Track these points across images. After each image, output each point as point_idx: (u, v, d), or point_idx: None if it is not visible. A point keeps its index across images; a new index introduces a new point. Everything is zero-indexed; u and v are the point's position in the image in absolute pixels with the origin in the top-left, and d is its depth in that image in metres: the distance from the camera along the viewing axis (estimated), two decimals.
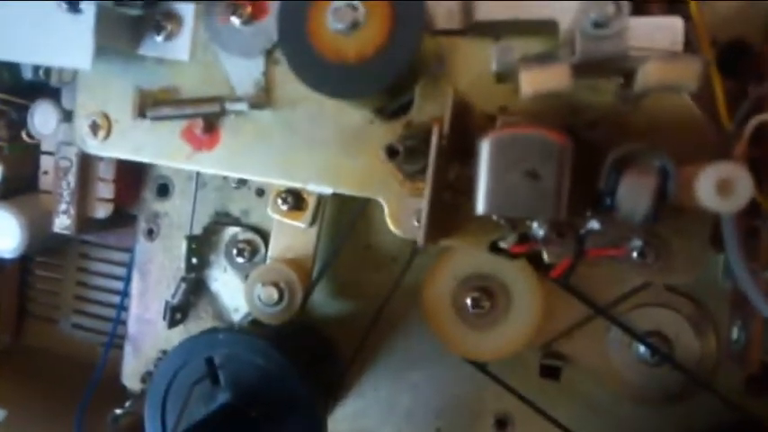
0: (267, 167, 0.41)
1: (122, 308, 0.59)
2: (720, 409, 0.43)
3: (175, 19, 0.42)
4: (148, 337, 0.55)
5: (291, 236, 0.47)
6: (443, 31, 0.35)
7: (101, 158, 0.51)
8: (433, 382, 0.49)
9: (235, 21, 0.40)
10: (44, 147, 0.53)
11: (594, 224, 0.32)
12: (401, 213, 0.39)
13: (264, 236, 0.51)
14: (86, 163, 0.51)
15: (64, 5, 0.38)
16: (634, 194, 0.28)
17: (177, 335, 0.53)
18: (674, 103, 0.34)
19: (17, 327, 0.67)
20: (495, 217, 0.32)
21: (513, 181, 0.29)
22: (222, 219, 0.52)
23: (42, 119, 0.52)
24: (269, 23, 0.40)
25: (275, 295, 0.45)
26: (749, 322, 0.38)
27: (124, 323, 0.57)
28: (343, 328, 0.49)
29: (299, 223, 0.46)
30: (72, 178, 0.51)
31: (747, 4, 0.39)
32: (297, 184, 0.41)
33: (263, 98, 0.40)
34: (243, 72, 0.41)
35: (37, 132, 0.53)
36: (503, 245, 0.35)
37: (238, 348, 0.39)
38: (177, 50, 0.42)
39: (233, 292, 0.52)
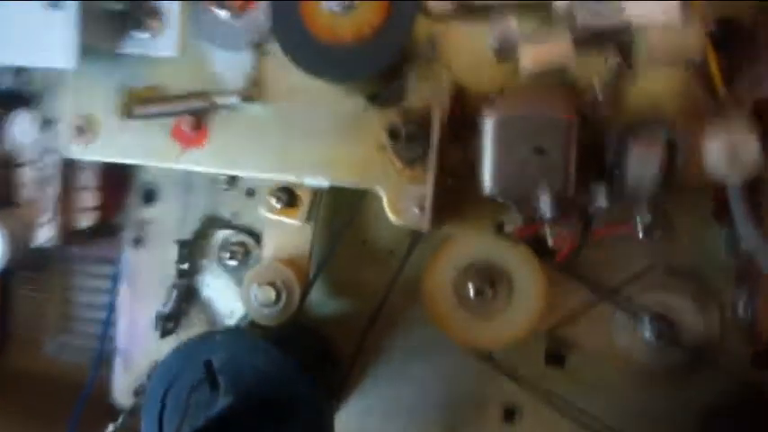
0: (261, 162, 0.40)
1: (110, 323, 0.57)
2: (727, 386, 0.42)
3: (160, 15, 0.41)
4: (139, 350, 0.53)
5: (286, 234, 0.46)
6: (436, 14, 0.35)
7: (83, 166, 0.50)
8: (437, 376, 0.48)
9: (223, 14, 0.39)
10: (22, 157, 0.52)
11: (602, 201, 0.31)
12: (400, 202, 0.38)
13: (257, 237, 0.50)
14: (68, 172, 0.49)
15: (46, 2, 0.36)
16: (642, 163, 0.28)
17: (169, 345, 0.51)
18: (670, 77, 0.34)
19: None
20: (500, 199, 0.32)
21: (519, 158, 0.29)
22: (213, 222, 0.51)
23: (21, 128, 0.51)
24: (258, 15, 0.39)
25: (273, 295, 0.44)
26: (754, 297, 0.38)
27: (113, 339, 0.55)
28: (343, 326, 0.48)
29: (294, 221, 0.45)
30: (54, 188, 0.49)
31: None
32: (293, 178, 0.40)
33: (255, 91, 0.39)
34: (232, 66, 0.40)
35: (15, 142, 0.51)
36: (508, 228, 0.34)
37: (238, 350, 0.38)
38: (164, 47, 0.41)
39: (226, 296, 0.51)
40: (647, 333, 0.44)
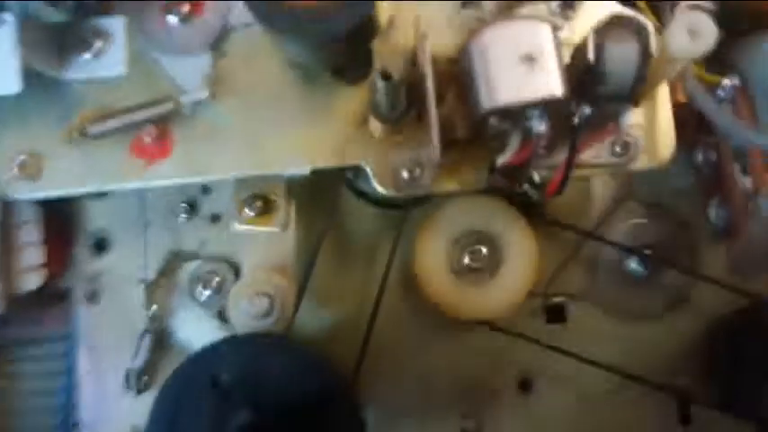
0: (235, 162, 0.39)
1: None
2: (716, 304, 0.45)
3: (104, 34, 0.39)
4: (110, 418, 0.47)
5: (266, 244, 0.44)
6: None
7: (24, 220, 0.45)
8: (446, 365, 0.46)
9: (172, 20, 0.39)
10: None
11: (586, 109, 0.33)
12: (387, 171, 0.38)
13: (230, 263, 0.47)
14: (7, 230, 0.45)
15: None
16: (621, 59, 0.30)
17: (146, 404, 0.45)
18: None
19: None
20: (493, 123, 0.33)
21: (511, 69, 0.30)
22: (178, 256, 0.47)
23: None
24: (209, 17, 0.39)
25: (265, 305, 0.41)
26: (724, 191, 0.41)
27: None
28: (339, 337, 0.46)
29: (272, 228, 0.43)
30: None
31: None
32: (273, 171, 0.39)
33: (216, 91, 0.38)
34: (189, 71, 0.39)
35: None
36: (501, 161, 0.35)
37: (250, 356, 0.35)
38: (110, 67, 0.39)
39: (204, 332, 0.46)
40: (633, 265, 0.45)
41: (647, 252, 0.45)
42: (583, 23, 0.35)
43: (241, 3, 0.34)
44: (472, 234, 0.44)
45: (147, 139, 0.38)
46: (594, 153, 0.37)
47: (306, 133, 0.39)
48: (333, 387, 0.35)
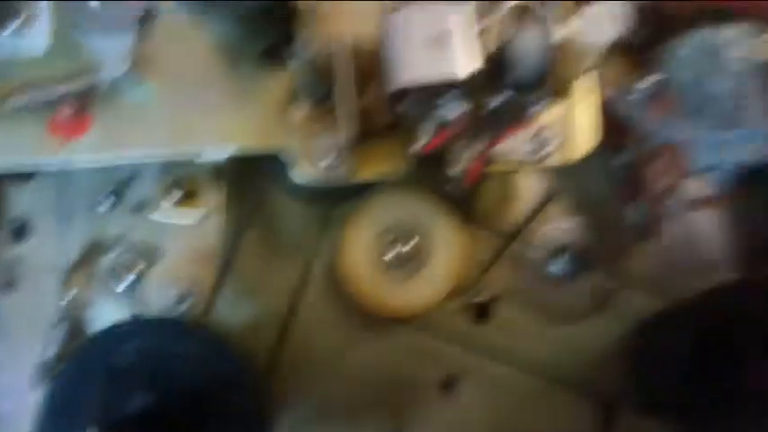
0: (155, 142, 0.38)
1: None
2: (642, 306, 0.45)
3: (26, 10, 0.39)
4: (21, 415, 0.44)
5: (188, 232, 0.43)
6: None
7: None
8: (370, 365, 0.45)
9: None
10: None
11: (497, 100, 0.33)
12: (311, 156, 0.38)
13: (151, 251, 0.45)
14: None
15: None
16: (524, 47, 0.31)
17: None
18: None
19: None
20: (405, 108, 0.33)
21: (417, 50, 0.30)
22: (97, 247, 0.46)
23: None
24: None
25: (181, 291, 0.40)
26: (642, 192, 0.41)
27: None
28: (259, 332, 0.45)
29: (195, 216, 0.42)
30: None
31: None
32: (193, 151, 0.39)
33: (139, 70, 0.38)
34: (112, 49, 0.39)
35: None
36: (416, 148, 0.35)
37: (153, 337, 0.34)
38: (32, 43, 0.39)
39: None
40: (557, 266, 0.45)
41: (572, 253, 0.45)
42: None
43: None
44: (399, 228, 0.44)
45: (65, 117, 0.38)
46: (512, 147, 0.38)
47: (228, 117, 0.38)
48: (236, 372, 0.34)
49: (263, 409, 0.34)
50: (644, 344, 0.43)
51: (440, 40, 0.30)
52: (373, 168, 0.38)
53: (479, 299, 0.46)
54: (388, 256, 0.43)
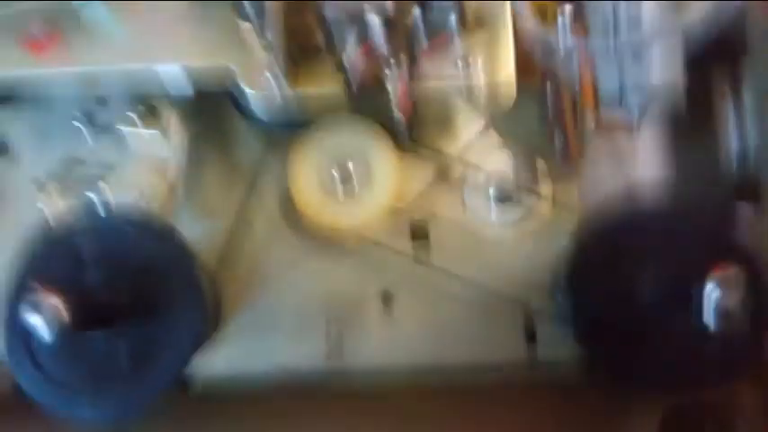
0: (117, 57, 0.42)
1: None
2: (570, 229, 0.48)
3: None
4: None
5: (146, 146, 0.47)
6: None
7: None
8: (315, 279, 0.49)
9: None
10: None
11: (417, 10, 0.37)
12: (253, 72, 0.41)
13: (116, 165, 0.49)
14: None
15: None
16: None
17: None
18: None
19: None
20: (330, 16, 0.36)
21: None
22: (72, 162, 0.50)
23: None
24: None
25: (135, 195, 0.44)
26: (562, 120, 0.45)
27: None
28: (208, 246, 0.49)
29: (155, 131, 0.46)
30: None
31: None
32: (146, 65, 0.42)
33: None
34: None
35: None
36: (346, 61, 0.38)
37: (105, 223, 0.38)
38: None
39: None
40: (492, 190, 0.49)
41: (505, 178, 0.49)
42: None
43: None
44: (342, 155, 0.47)
45: (36, 32, 0.42)
46: (438, 67, 0.41)
47: (182, 34, 0.42)
48: (176, 255, 0.38)
49: (201, 294, 0.38)
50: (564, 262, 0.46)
51: None
52: (311, 83, 0.42)
53: (417, 219, 0.49)
54: (333, 179, 0.47)
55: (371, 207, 0.47)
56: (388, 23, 0.37)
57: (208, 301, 0.39)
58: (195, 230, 0.49)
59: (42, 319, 0.31)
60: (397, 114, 0.47)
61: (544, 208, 0.49)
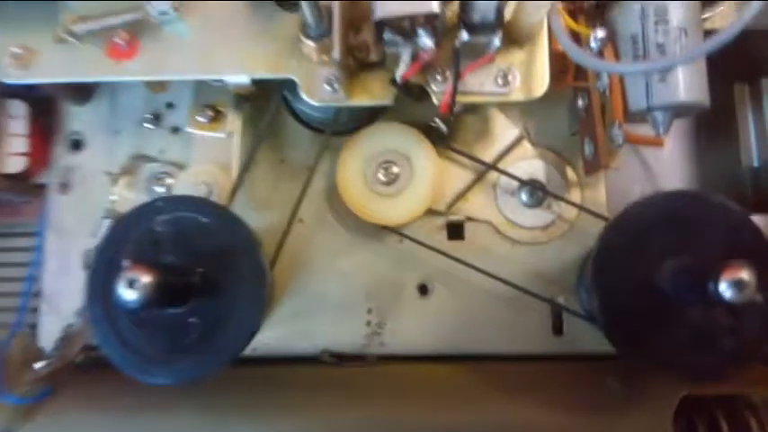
0: (189, 66, 0.47)
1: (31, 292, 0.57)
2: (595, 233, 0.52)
3: None
4: (67, 292, 0.54)
5: (212, 147, 0.52)
6: None
7: (13, 115, 0.54)
8: (359, 268, 0.54)
9: None
10: None
11: (464, 35, 0.41)
12: (314, 84, 0.46)
13: (182, 166, 0.55)
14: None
15: None
16: None
17: None
18: None
19: None
20: (388, 37, 0.41)
21: None
22: (139, 159, 0.55)
23: None
24: None
25: (204, 191, 0.49)
26: (592, 130, 0.49)
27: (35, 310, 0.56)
28: (266, 235, 0.53)
29: (219, 134, 0.51)
30: None
31: None
32: (216, 76, 0.47)
33: (179, 8, 0.47)
34: None
35: None
36: (399, 76, 0.43)
37: (180, 208, 0.42)
38: None
39: None
40: (524, 195, 0.53)
41: (537, 185, 0.53)
42: None
43: None
44: (386, 154, 0.52)
45: (119, 42, 0.47)
46: (480, 81, 0.45)
47: (248, 48, 0.47)
48: (244, 243, 0.42)
49: (264, 279, 0.43)
50: (589, 261, 0.49)
51: None
52: (366, 94, 0.46)
53: (454, 219, 0.54)
54: (377, 177, 0.51)
55: (412, 205, 0.51)
56: (438, 44, 0.41)
57: (268, 284, 0.44)
58: (251, 221, 0.54)
59: (136, 294, 0.36)
60: (440, 122, 0.51)
61: (572, 212, 0.53)
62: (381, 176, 0.51)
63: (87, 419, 0.49)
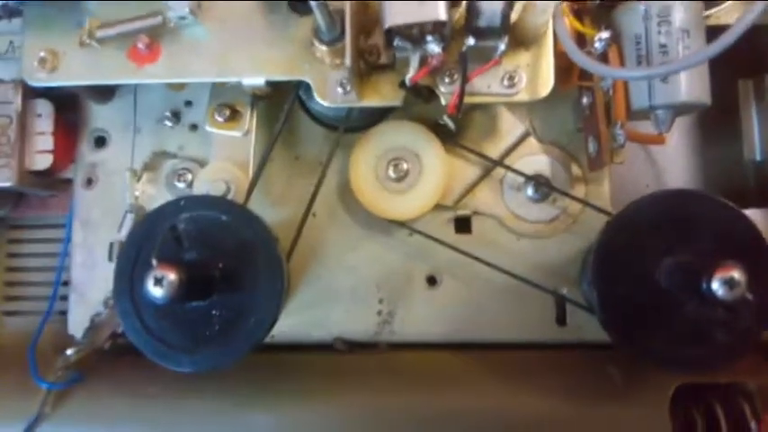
0: (208, 69, 0.49)
1: (60, 282, 0.60)
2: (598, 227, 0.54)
3: None
4: (94, 282, 0.57)
5: (230, 145, 0.54)
6: None
7: (39, 113, 0.56)
8: (370, 260, 0.56)
9: None
10: None
11: (471, 40, 0.43)
12: (327, 86, 0.48)
13: (201, 162, 0.57)
14: (24, 120, 0.56)
15: None
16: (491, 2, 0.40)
17: None
18: None
19: None
20: (398, 44, 0.43)
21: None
22: (160, 155, 0.58)
23: None
24: None
25: (223, 188, 0.51)
26: (595, 128, 0.50)
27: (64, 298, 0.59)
28: (281, 229, 0.56)
29: (236, 132, 0.54)
30: (12, 133, 0.55)
31: None
32: (233, 79, 0.49)
33: (198, 14, 0.49)
34: None
35: None
36: (408, 80, 0.45)
37: (201, 207, 0.45)
38: None
39: None
40: (529, 190, 0.55)
41: (542, 180, 0.54)
42: None
43: None
44: (396, 152, 0.54)
45: (141, 46, 0.49)
46: (486, 82, 0.47)
47: (264, 51, 0.49)
48: (262, 239, 0.45)
49: (281, 272, 0.45)
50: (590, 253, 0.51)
51: None
52: (377, 95, 0.48)
53: (462, 213, 0.56)
54: (388, 173, 0.53)
55: (421, 200, 0.53)
56: (445, 49, 0.43)
57: (285, 277, 0.46)
58: (267, 216, 0.56)
59: (163, 291, 0.39)
60: (448, 120, 0.53)
61: (576, 207, 0.55)
62: (392, 173, 0.53)
63: (116, 404, 0.52)
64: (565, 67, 0.50)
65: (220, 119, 0.53)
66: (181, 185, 0.57)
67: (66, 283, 0.58)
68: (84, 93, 0.58)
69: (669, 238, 0.44)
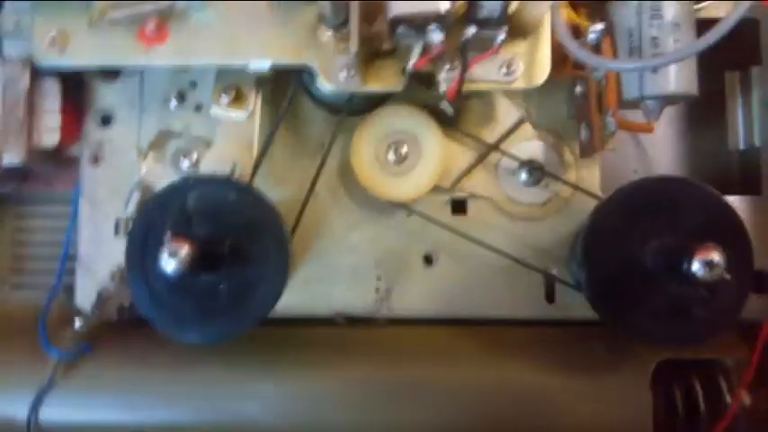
0: (214, 52, 0.51)
1: (67, 257, 0.61)
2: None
3: None
4: (101, 257, 0.59)
5: (234, 126, 0.55)
6: None
7: (46, 92, 0.57)
8: (369, 239, 0.58)
9: None
10: None
11: (472, 29, 0.45)
12: (331, 71, 0.50)
13: (206, 141, 0.58)
14: (31, 98, 0.57)
15: None
16: None
17: None
18: None
19: None
20: (402, 32, 0.44)
21: None
22: (166, 134, 0.59)
23: None
24: None
25: (228, 168, 0.53)
26: (588, 116, 0.52)
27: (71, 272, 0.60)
28: (283, 208, 0.58)
29: (241, 114, 0.55)
30: (20, 112, 0.56)
31: None
32: (240, 62, 0.51)
33: None
34: None
35: None
36: (410, 67, 0.47)
37: (208, 186, 0.47)
38: None
39: None
40: (524, 175, 0.57)
41: (536, 165, 0.57)
42: None
43: None
44: (396, 135, 0.56)
45: (150, 29, 0.50)
46: (485, 70, 0.49)
47: (272, 36, 0.50)
48: (267, 218, 0.47)
49: (286, 248, 0.47)
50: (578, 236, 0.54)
51: None
52: (379, 81, 0.50)
53: (458, 195, 0.58)
54: (388, 156, 0.55)
55: (419, 183, 0.55)
56: (447, 37, 0.44)
57: (290, 253, 0.48)
58: (271, 195, 0.58)
59: (177, 263, 0.41)
60: (447, 106, 0.55)
61: (567, 191, 0.57)
62: (392, 156, 0.55)
63: (125, 374, 0.54)
64: (560, 57, 0.52)
65: (225, 100, 0.55)
66: (186, 164, 0.58)
67: (73, 258, 0.60)
68: (90, 71, 0.59)
69: (654, 222, 0.46)
